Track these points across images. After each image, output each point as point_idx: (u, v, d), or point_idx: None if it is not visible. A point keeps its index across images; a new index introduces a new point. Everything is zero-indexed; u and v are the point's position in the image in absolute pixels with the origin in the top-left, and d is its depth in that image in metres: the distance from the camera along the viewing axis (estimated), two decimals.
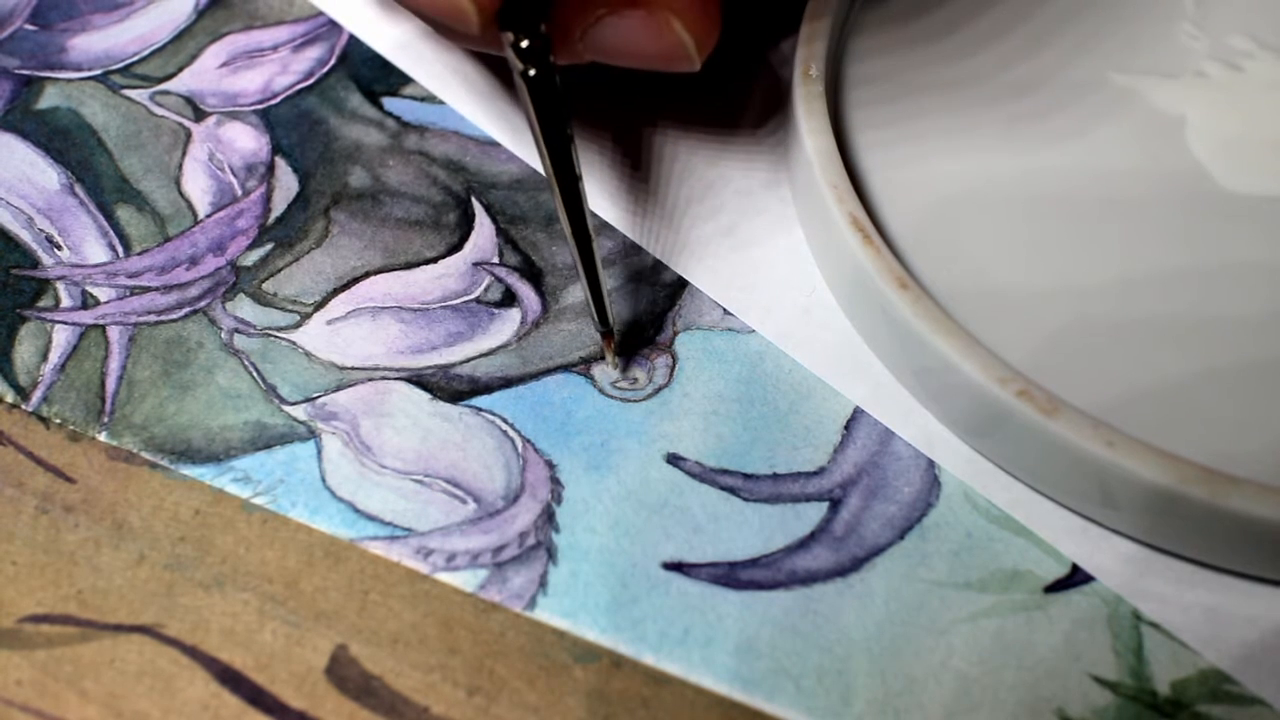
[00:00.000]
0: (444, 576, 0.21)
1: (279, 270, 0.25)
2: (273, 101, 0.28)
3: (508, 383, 0.24)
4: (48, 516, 0.22)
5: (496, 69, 0.28)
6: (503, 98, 0.28)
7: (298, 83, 0.28)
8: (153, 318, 0.25)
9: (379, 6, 0.29)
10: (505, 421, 0.23)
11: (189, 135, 0.27)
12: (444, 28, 0.22)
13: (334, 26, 0.29)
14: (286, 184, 0.27)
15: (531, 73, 0.20)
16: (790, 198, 0.26)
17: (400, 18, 0.29)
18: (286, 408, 0.23)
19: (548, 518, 0.22)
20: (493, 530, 0.22)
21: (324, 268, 0.25)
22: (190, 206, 0.26)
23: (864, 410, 0.23)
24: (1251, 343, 0.23)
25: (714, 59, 0.22)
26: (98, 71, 0.28)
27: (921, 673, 0.20)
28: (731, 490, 0.22)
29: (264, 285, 0.25)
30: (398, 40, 0.29)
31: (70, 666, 0.21)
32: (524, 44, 0.20)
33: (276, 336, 0.24)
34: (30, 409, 0.23)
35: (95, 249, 0.25)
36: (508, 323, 0.25)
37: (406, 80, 0.28)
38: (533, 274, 0.25)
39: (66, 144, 0.27)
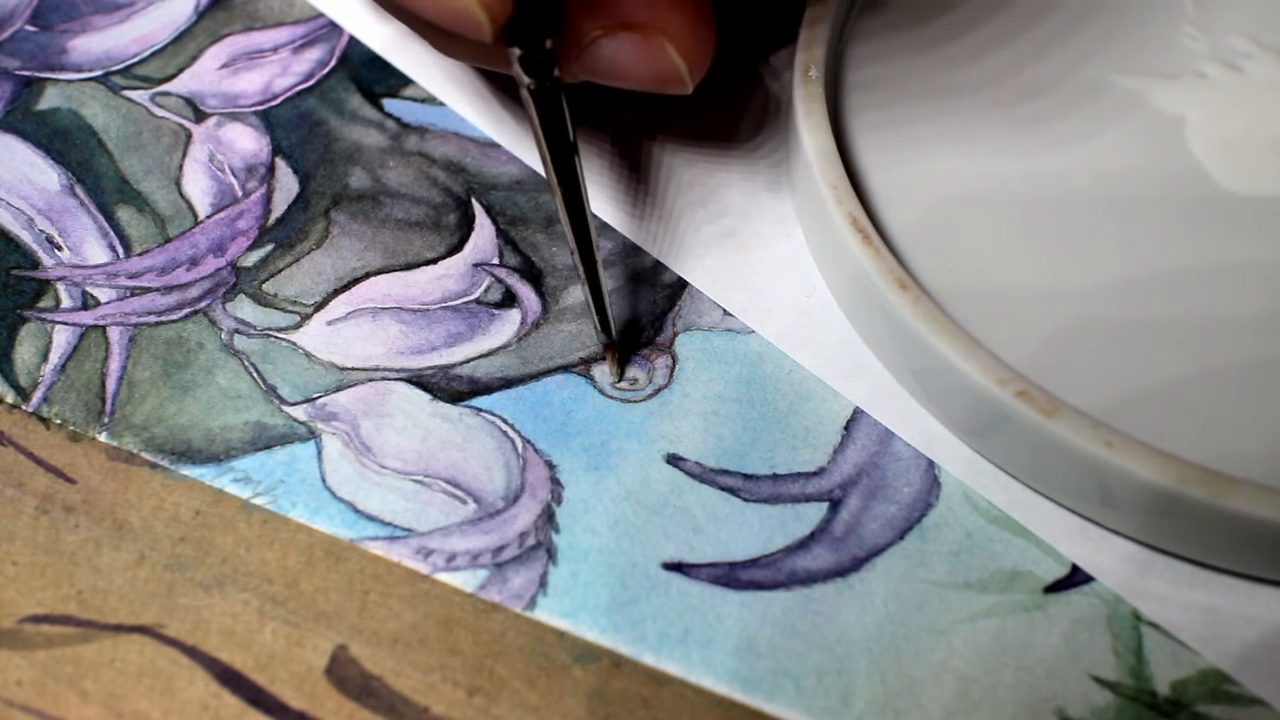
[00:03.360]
0: (444, 576, 0.21)
1: (279, 271, 0.25)
2: (273, 103, 0.28)
3: (508, 383, 0.24)
4: (48, 517, 0.22)
5: (496, 74, 0.28)
6: (502, 100, 0.28)
7: (298, 84, 0.28)
8: (153, 318, 0.25)
9: (377, 10, 0.29)
10: (505, 422, 0.23)
11: (189, 136, 0.27)
12: (447, 42, 0.22)
13: (334, 28, 0.29)
14: (287, 185, 0.27)
15: (537, 86, 0.20)
16: (790, 199, 0.26)
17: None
18: (287, 408, 0.23)
19: (548, 518, 0.22)
20: (493, 530, 0.22)
21: (324, 269, 0.25)
22: (190, 207, 0.26)
23: (864, 411, 0.23)
24: (1251, 343, 0.23)
25: (716, 63, 0.22)
26: (98, 72, 0.29)
27: (921, 673, 0.20)
28: (731, 490, 0.22)
29: (264, 286, 0.25)
30: (398, 42, 0.29)
31: (70, 667, 0.21)
32: (530, 58, 0.20)
33: (277, 337, 0.24)
34: (30, 409, 0.23)
35: (95, 250, 0.25)
36: (508, 323, 0.25)
37: (406, 82, 0.28)
38: (533, 275, 0.25)
39: (67, 145, 0.27)
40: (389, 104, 0.28)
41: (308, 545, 0.22)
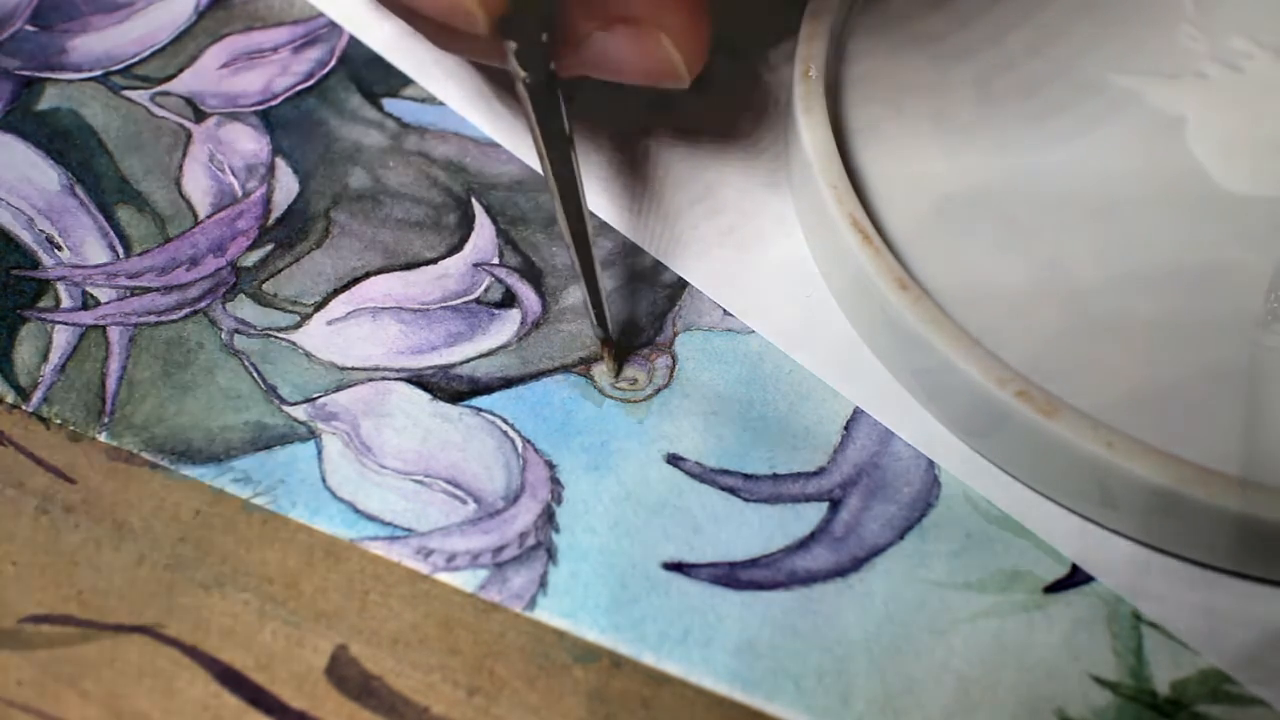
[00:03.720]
0: (444, 576, 0.21)
1: (279, 271, 0.25)
2: (273, 102, 0.28)
3: (508, 383, 0.24)
4: (48, 517, 0.22)
5: (496, 72, 0.28)
6: (502, 98, 0.28)
7: (298, 84, 0.28)
8: (153, 318, 0.25)
9: (377, 6, 0.29)
10: (505, 422, 0.23)
11: (189, 136, 0.27)
12: (443, 36, 0.22)
13: (334, 27, 0.29)
14: (287, 185, 0.27)
15: (532, 80, 0.20)
16: (790, 198, 0.26)
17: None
18: (287, 408, 0.23)
19: (548, 518, 0.22)
20: (493, 530, 0.22)
21: (324, 268, 0.25)
22: (190, 207, 0.26)
23: (864, 410, 0.23)
24: (1251, 343, 0.23)
25: (714, 60, 0.22)
26: (98, 72, 0.28)
27: (921, 673, 0.20)
28: (731, 490, 0.22)
29: (264, 286, 0.25)
30: (398, 40, 0.29)
31: (70, 667, 0.21)
32: (525, 52, 0.20)
33: (277, 337, 0.24)
34: (30, 409, 0.23)
35: (95, 249, 0.25)
36: (508, 323, 0.25)
37: (406, 81, 0.28)
38: (533, 274, 0.25)
39: (67, 145, 0.27)
40: (389, 104, 0.28)
41: (308, 545, 0.22)
